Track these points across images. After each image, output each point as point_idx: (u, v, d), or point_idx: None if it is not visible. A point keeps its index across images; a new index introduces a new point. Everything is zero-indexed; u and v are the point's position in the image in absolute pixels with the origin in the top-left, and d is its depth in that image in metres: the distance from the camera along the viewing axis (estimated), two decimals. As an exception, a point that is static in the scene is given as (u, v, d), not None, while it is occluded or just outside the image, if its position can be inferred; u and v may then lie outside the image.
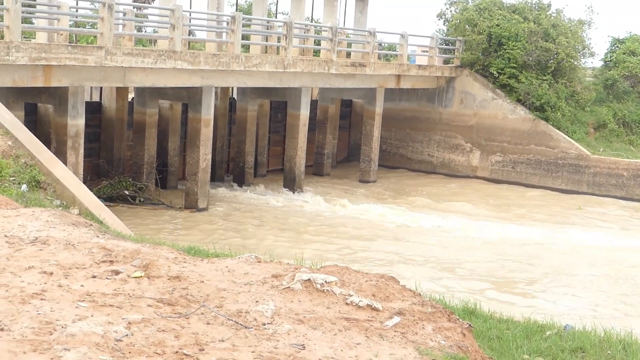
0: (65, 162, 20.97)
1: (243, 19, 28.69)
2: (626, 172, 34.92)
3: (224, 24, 30.58)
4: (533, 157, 36.77)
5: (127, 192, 28.02)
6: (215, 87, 29.86)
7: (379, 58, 38.23)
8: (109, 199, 26.69)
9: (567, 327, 9.69)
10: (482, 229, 27.40)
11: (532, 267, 22.79)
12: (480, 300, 11.26)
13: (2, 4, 21.36)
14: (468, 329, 7.33)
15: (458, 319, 7.43)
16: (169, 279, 7.48)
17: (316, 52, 35.88)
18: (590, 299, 19.86)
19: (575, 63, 38.76)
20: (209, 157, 28.24)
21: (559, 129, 36.38)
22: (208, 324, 6.37)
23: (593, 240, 26.59)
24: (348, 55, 37.00)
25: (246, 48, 31.74)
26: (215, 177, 32.48)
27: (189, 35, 31.94)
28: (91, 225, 11.08)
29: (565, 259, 24.05)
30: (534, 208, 32.19)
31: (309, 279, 7.56)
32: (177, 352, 5.66)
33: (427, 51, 39.28)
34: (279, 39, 31.28)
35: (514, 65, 37.39)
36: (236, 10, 35.82)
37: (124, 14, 27.83)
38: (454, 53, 39.85)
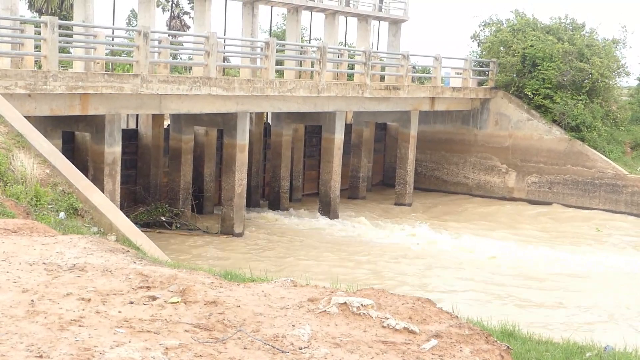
0: (102, 189, 21.15)
1: (277, 45, 28.85)
2: (665, 191, 34.61)
3: (258, 50, 30.78)
4: (570, 177, 36.50)
5: (163, 218, 28.23)
6: (250, 113, 30.02)
7: (413, 81, 38.25)
8: (146, 225, 26.90)
9: (607, 348, 9.56)
10: (523, 251, 27.17)
11: (576, 292, 22.57)
12: (519, 323, 11.14)
13: (40, 34, 21.67)
14: (506, 351, 7.26)
15: (496, 341, 7.36)
16: (205, 304, 7.49)
17: (350, 76, 35.97)
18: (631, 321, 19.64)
19: (610, 83, 38.56)
20: (245, 182, 28.35)
21: (595, 148, 36.12)
22: (245, 348, 6.36)
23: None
24: (382, 78, 37.05)
25: (280, 73, 31.90)
26: (251, 202, 32.61)
27: (224, 61, 32.17)
28: (128, 251, 11.12)
29: (606, 283, 23.82)
30: (576, 230, 31.91)
31: (345, 303, 7.54)
32: (214, 377, 5.66)
33: (461, 73, 39.24)
34: (312, 64, 31.41)
35: (549, 85, 37.24)
36: (270, 36, 36.02)
37: (159, 42, 28.07)
38: (487, 75, 39.75)
